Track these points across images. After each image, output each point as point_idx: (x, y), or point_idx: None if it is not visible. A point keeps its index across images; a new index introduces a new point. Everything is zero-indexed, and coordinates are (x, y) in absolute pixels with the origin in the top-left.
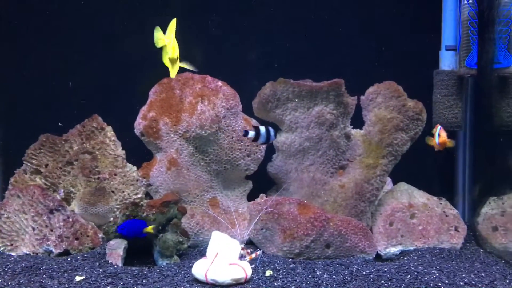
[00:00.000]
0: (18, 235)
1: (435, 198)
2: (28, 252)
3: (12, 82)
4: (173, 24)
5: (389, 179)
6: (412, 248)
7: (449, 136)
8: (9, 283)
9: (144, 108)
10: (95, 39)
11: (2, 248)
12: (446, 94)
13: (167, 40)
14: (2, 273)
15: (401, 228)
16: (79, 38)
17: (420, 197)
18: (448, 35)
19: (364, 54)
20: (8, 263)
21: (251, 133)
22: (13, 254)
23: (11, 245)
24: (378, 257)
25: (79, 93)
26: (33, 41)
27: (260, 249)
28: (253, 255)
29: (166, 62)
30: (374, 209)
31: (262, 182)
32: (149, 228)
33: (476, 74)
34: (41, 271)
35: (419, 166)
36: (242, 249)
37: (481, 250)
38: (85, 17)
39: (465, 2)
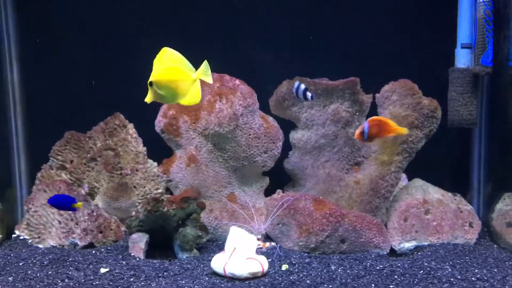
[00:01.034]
0: (45, 228)
1: (449, 194)
2: (54, 245)
3: (38, 81)
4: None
5: (404, 175)
6: (426, 243)
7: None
8: (38, 274)
9: (164, 106)
10: (117, 39)
11: (30, 241)
12: (461, 91)
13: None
14: (31, 264)
15: (415, 223)
16: (101, 37)
17: (435, 193)
18: (463, 33)
19: (380, 52)
20: (36, 255)
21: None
22: (40, 246)
23: (39, 237)
24: (392, 252)
25: (102, 92)
26: (57, 41)
27: (277, 243)
28: (267, 244)
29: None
30: (389, 205)
31: (279, 178)
32: (79, 204)
33: (491, 72)
34: (68, 263)
35: (434, 163)
36: (258, 239)
37: (495, 246)
38: (104, 18)
39: (481, 0)
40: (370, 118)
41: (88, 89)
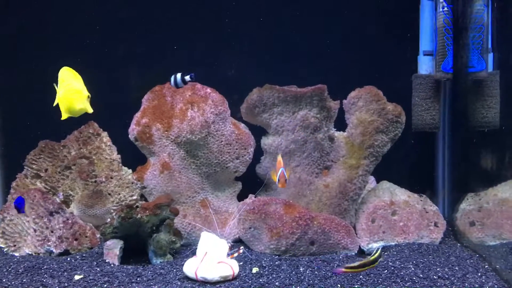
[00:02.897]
0: (21, 236)
1: (415, 195)
2: (30, 253)
3: (11, 89)
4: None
5: (372, 178)
6: (393, 243)
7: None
8: (13, 282)
9: (137, 115)
10: (91, 47)
11: (6, 249)
12: (424, 97)
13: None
14: (6, 273)
15: (382, 224)
16: (75, 46)
17: (402, 194)
18: (425, 41)
19: (346, 59)
20: (12, 263)
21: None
22: (16, 254)
23: (14, 246)
24: (362, 252)
25: None
26: (31, 49)
27: (243, 247)
28: (236, 254)
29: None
30: (357, 207)
31: (251, 183)
32: None
33: (452, 78)
34: (43, 270)
35: (401, 165)
36: (230, 248)
37: (458, 245)
38: (80, 25)
39: (441, 10)
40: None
41: None
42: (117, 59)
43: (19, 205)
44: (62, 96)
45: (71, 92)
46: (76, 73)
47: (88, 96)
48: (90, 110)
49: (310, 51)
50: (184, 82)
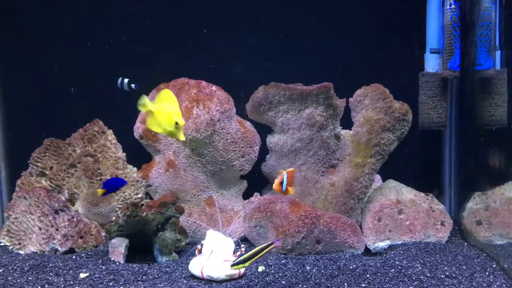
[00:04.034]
0: (26, 234)
1: (422, 194)
2: (35, 251)
3: (17, 88)
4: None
5: (378, 177)
6: (399, 242)
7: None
8: (18, 280)
9: (142, 113)
10: (97, 45)
11: (11, 247)
12: (431, 95)
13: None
14: (11, 271)
15: (389, 223)
16: (80, 43)
17: (408, 193)
18: (432, 38)
19: (353, 57)
20: (17, 261)
21: None
22: (21, 252)
23: (19, 244)
24: (368, 251)
25: (81, 98)
26: (36, 47)
27: (244, 246)
28: (238, 253)
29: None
30: (363, 206)
31: (256, 181)
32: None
33: (459, 76)
34: (48, 268)
35: (407, 164)
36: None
37: (465, 244)
38: (86, 22)
39: (448, 7)
40: (287, 171)
41: (67, 96)
42: (123, 56)
43: (109, 185)
44: (155, 111)
45: (164, 113)
46: (175, 100)
47: (177, 123)
48: (182, 138)
49: (316, 49)
50: (130, 88)
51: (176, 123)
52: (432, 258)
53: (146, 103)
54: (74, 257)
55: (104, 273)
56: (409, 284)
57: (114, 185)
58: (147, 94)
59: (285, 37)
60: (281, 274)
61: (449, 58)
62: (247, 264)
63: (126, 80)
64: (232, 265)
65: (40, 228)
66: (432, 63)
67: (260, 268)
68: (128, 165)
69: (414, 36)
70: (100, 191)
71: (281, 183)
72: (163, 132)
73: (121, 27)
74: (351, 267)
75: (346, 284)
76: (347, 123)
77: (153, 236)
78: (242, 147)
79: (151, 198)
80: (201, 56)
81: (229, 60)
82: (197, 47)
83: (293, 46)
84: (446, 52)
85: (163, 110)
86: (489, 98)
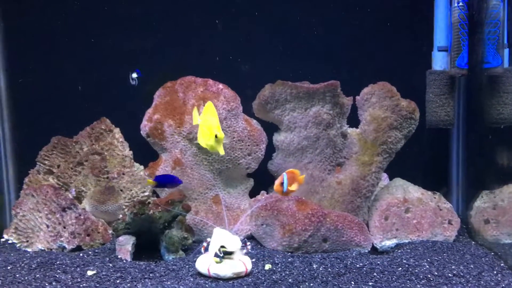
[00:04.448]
0: (33, 232)
1: (429, 192)
2: (43, 248)
3: (24, 86)
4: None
5: (385, 175)
6: (406, 241)
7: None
8: (26, 277)
9: (149, 111)
10: (104, 44)
11: (18, 245)
12: (438, 93)
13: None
14: (19, 268)
15: (396, 222)
16: (88, 42)
17: (415, 192)
18: (439, 36)
19: (360, 55)
20: (25, 259)
21: None
22: (29, 250)
23: (27, 241)
24: (375, 250)
25: (88, 96)
26: (43, 46)
27: (249, 242)
28: (244, 250)
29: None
30: (370, 204)
31: (263, 180)
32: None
33: (467, 73)
34: (55, 266)
35: (415, 162)
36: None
37: (473, 243)
38: (93, 23)
39: (456, 5)
40: (287, 171)
41: (75, 94)
42: (130, 54)
43: (161, 180)
44: (200, 124)
45: (204, 126)
46: (215, 113)
47: (216, 136)
48: (222, 152)
49: (323, 47)
50: (135, 79)
51: (216, 136)
52: (440, 257)
53: (194, 116)
54: (81, 254)
55: (111, 270)
56: (416, 282)
57: (167, 181)
58: (153, 93)
59: (292, 35)
60: (287, 272)
61: (456, 56)
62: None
63: (134, 75)
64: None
65: (47, 226)
66: (439, 61)
67: (267, 266)
68: (135, 163)
69: (421, 34)
70: (150, 181)
71: (282, 183)
72: (206, 146)
73: (130, 24)
74: (358, 266)
75: (353, 282)
76: (354, 121)
77: (160, 234)
78: (248, 145)
79: (158, 197)
80: (208, 54)
81: (236, 58)
82: (204, 44)
83: (300, 43)
84: (454, 50)
85: (205, 123)
86: (497, 96)
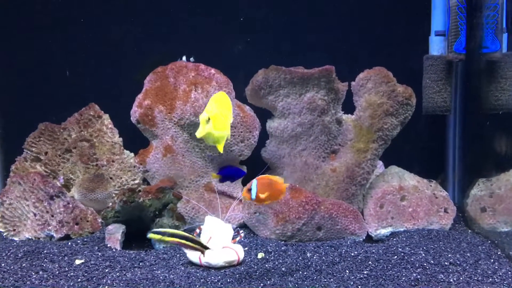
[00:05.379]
0: (20, 220)
1: (425, 180)
2: (30, 237)
3: (11, 72)
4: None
5: (380, 163)
6: (402, 229)
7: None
8: (12, 267)
9: (139, 96)
10: (92, 29)
11: (5, 233)
12: (435, 79)
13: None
14: (5, 257)
15: (391, 210)
16: (75, 28)
17: (411, 179)
18: (437, 20)
19: (355, 40)
20: (11, 248)
21: None
22: (15, 239)
23: (14, 230)
24: (369, 238)
25: (76, 82)
26: (30, 32)
27: (242, 230)
28: (237, 238)
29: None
30: (365, 192)
31: (256, 167)
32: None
33: (465, 58)
34: (43, 255)
35: (410, 150)
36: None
37: (469, 231)
38: (80, 8)
39: None
40: (258, 177)
41: (62, 79)
42: (119, 39)
43: (226, 173)
44: (213, 117)
45: (218, 120)
46: (225, 104)
47: (209, 119)
48: (221, 150)
49: (318, 32)
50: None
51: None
52: (436, 245)
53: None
54: (69, 243)
55: (100, 259)
56: (412, 271)
57: (232, 174)
58: (142, 80)
59: (287, 20)
60: (281, 261)
61: (454, 40)
62: (164, 238)
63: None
64: (150, 233)
65: (35, 214)
66: (437, 46)
67: (260, 255)
68: (124, 150)
69: (418, 18)
70: (214, 175)
71: (250, 190)
72: (210, 136)
73: (121, 8)
74: (352, 254)
75: (347, 271)
76: (349, 107)
77: (150, 223)
78: (241, 132)
79: (148, 184)
80: (200, 39)
81: (228, 42)
82: (195, 30)
83: (294, 27)
84: (452, 35)
85: (218, 118)
86: (495, 81)
